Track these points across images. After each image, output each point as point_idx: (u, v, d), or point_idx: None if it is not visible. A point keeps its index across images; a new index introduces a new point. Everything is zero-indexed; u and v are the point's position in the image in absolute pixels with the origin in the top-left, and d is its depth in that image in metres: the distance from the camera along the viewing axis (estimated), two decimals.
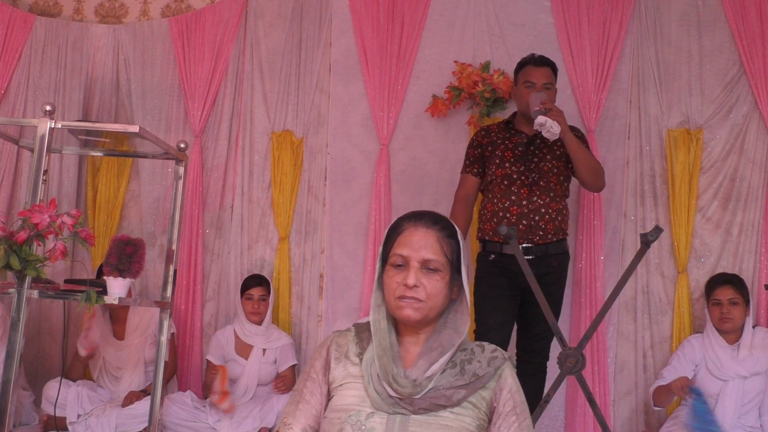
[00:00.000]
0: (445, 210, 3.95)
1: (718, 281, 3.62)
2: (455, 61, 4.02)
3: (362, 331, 1.64)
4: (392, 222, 1.64)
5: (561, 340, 2.82)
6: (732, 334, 3.55)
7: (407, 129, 4.13)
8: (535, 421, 2.80)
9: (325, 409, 1.60)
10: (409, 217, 1.62)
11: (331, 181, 4.17)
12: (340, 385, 1.58)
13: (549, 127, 3.09)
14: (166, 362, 3.79)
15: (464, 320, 1.59)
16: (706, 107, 3.93)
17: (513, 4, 4.09)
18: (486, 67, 3.98)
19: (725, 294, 3.54)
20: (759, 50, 3.87)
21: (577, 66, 3.97)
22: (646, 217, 3.92)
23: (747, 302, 3.56)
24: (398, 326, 1.61)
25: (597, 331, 3.38)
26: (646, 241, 2.63)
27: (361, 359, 1.58)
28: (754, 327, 3.60)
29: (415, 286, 1.54)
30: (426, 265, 1.55)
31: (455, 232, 1.61)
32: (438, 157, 4.08)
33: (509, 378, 1.60)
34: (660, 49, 3.98)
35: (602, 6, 3.99)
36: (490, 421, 1.58)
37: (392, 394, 1.51)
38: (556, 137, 3.13)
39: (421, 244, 1.56)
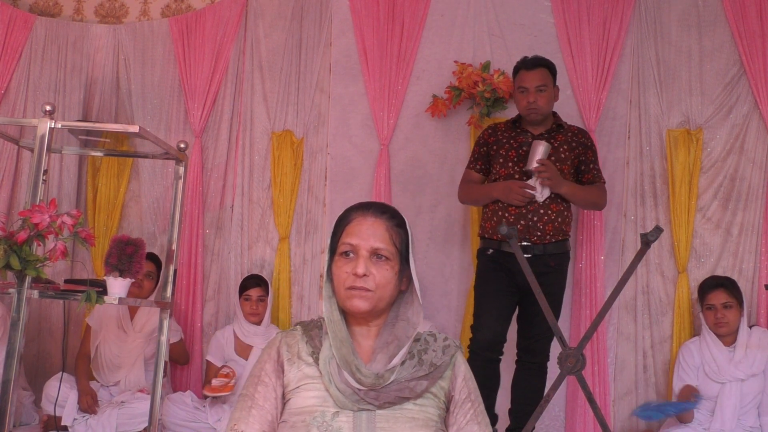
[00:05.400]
0: (445, 211, 3.96)
1: (710, 285, 3.60)
2: (455, 61, 4.01)
3: (310, 329, 1.57)
4: (340, 213, 1.59)
5: (561, 340, 2.81)
6: (728, 337, 3.55)
7: (407, 129, 4.13)
8: (535, 421, 2.80)
9: (282, 414, 1.52)
10: (357, 208, 1.57)
11: (331, 181, 4.17)
12: (297, 387, 1.51)
13: (540, 192, 3.26)
14: (166, 361, 3.82)
15: (417, 311, 1.56)
16: (706, 107, 3.93)
17: (513, 4, 4.09)
18: (486, 67, 3.98)
19: (718, 298, 3.53)
20: (759, 50, 3.87)
21: (577, 66, 3.97)
22: (646, 217, 3.92)
23: (741, 303, 3.54)
24: (348, 319, 1.55)
25: (597, 331, 3.38)
26: (646, 241, 2.63)
27: (315, 359, 1.52)
28: (751, 327, 3.60)
29: (365, 275, 1.49)
30: (375, 254, 1.51)
31: (404, 221, 1.58)
32: (438, 157, 4.08)
33: (462, 365, 1.59)
34: (660, 49, 3.98)
35: (602, 6, 3.99)
36: (447, 410, 1.56)
37: (355, 385, 1.47)
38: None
39: (369, 233, 1.52)
